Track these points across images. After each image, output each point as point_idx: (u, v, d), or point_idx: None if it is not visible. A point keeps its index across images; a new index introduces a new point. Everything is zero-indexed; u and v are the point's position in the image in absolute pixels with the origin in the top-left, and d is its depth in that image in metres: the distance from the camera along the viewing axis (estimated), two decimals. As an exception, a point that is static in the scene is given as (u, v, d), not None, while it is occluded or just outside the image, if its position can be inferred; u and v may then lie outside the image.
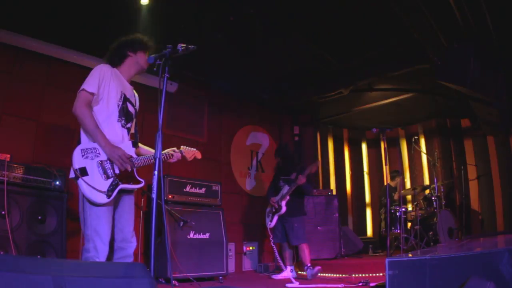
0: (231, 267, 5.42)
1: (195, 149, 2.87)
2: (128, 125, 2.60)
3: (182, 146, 2.82)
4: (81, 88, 2.37)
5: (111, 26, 4.23)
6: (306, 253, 4.73)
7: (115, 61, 2.60)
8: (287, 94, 6.65)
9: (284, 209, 4.83)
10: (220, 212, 4.89)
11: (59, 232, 3.47)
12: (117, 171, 2.39)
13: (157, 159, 2.03)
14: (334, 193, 6.59)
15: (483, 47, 4.50)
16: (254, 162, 6.62)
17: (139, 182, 2.50)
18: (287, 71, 5.94)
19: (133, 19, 4.14)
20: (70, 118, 4.27)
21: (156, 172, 2.02)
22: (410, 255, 2.59)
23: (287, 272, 4.81)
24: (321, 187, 7.07)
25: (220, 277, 4.58)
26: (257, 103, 6.78)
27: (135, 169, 2.49)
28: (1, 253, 2.99)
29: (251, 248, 5.92)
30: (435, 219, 5.80)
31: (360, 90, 6.47)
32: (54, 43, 4.25)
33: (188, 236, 4.44)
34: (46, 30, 4.13)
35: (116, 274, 1.59)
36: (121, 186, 2.38)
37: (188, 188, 4.67)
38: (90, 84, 2.38)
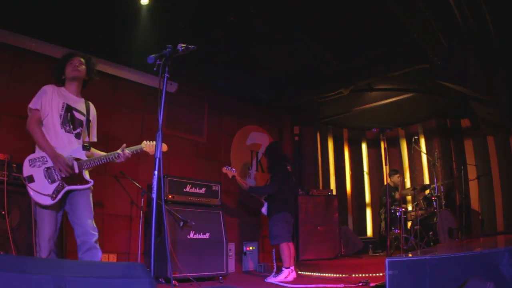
0: (231, 267, 5.42)
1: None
2: (77, 130, 2.89)
3: (144, 141, 3.02)
4: (28, 107, 2.78)
5: (111, 26, 4.23)
6: (282, 253, 4.70)
7: (57, 83, 2.99)
8: (287, 94, 6.64)
9: (262, 208, 5.01)
10: (220, 212, 4.89)
11: (59, 232, 3.46)
12: (63, 175, 2.68)
13: (157, 159, 2.03)
14: (334, 193, 6.59)
15: (483, 47, 4.50)
16: (254, 162, 6.62)
17: (87, 182, 2.78)
18: (287, 71, 5.94)
19: (133, 19, 4.14)
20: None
21: (156, 172, 2.02)
22: (410, 255, 2.59)
23: (284, 274, 4.66)
24: (321, 187, 7.07)
25: (220, 277, 4.58)
26: (257, 103, 6.78)
27: (83, 171, 2.78)
28: (1, 253, 2.99)
29: (251, 248, 5.92)
30: (435, 219, 5.80)
31: (360, 90, 6.46)
32: (54, 43, 4.25)
33: (188, 236, 4.43)
34: (46, 30, 4.13)
35: (116, 274, 1.59)
36: (67, 187, 2.68)
37: (188, 188, 4.67)
38: (33, 103, 2.79)
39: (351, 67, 5.69)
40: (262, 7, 4.26)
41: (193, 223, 4.47)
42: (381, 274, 4.34)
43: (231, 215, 5.80)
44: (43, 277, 1.39)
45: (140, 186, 4.27)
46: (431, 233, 5.81)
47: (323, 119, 7.63)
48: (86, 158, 2.81)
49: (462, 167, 6.58)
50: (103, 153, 2.97)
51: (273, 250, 5.13)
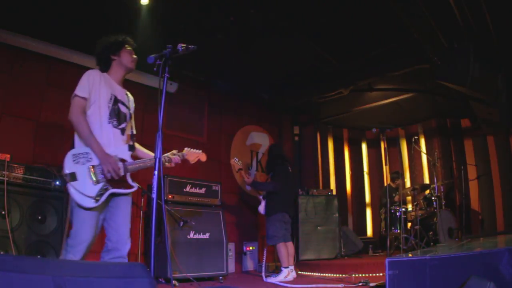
0: (231, 267, 5.42)
1: (200, 151, 2.84)
2: (122, 125, 2.62)
3: (185, 148, 2.81)
4: (74, 94, 2.44)
5: (111, 26, 4.23)
6: (279, 254, 4.72)
7: (102, 67, 2.65)
8: (287, 94, 6.65)
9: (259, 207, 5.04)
10: (220, 212, 4.89)
11: (59, 232, 3.47)
12: (108, 176, 2.43)
13: (157, 159, 2.02)
14: (334, 193, 6.59)
15: (483, 47, 4.50)
16: (254, 162, 6.62)
17: (131, 187, 2.54)
18: (287, 71, 5.94)
19: (133, 19, 4.14)
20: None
21: (156, 172, 2.02)
22: (410, 255, 2.59)
23: (284, 274, 4.66)
24: (321, 187, 7.07)
25: (220, 277, 4.58)
26: (257, 103, 6.78)
27: (128, 174, 2.51)
28: (1, 253, 2.99)
29: (251, 248, 5.92)
30: (435, 219, 5.80)
31: (360, 90, 6.47)
32: (54, 43, 4.25)
33: (188, 236, 4.43)
34: (46, 30, 4.13)
35: (116, 274, 1.59)
36: (111, 190, 2.43)
37: (188, 188, 4.67)
38: (81, 90, 2.44)
39: (351, 67, 5.69)
40: (262, 7, 4.26)
41: (193, 223, 4.47)
42: (381, 274, 4.34)
43: (231, 215, 5.80)
44: (43, 277, 1.39)
45: (140, 186, 4.26)
46: (431, 233, 5.81)
47: (323, 119, 7.63)
48: (131, 160, 2.55)
49: (462, 167, 6.58)
50: (148, 152, 2.74)
51: (265, 250, 5.12)
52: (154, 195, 1.97)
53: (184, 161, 2.77)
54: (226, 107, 6.29)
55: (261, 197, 5.07)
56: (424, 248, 5.38)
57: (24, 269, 1.38)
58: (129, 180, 2.54)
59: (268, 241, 4.79)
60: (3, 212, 3.08)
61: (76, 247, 2.33)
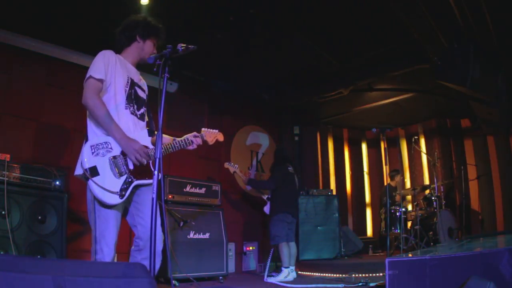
0: (231, 267, 5.42)
1: (217, 131, 2.68)
2: (140, 111, 2.42)
3: (203, 129, 2.64)
4: (88, 75, 2.19)
5: (111, 26, 4.23)
6: (281, 253, 4.73)
7: (122, 41, 2.44)
8: (287, 94, 6.65)
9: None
10: (220, 212, 4.89)
11: (59, 232, 3.47)
12: (131, 167, 2.22)
13: (157, 159, 2.02)
14: (334, 193, 6.59)
15: (483, 47, 4.50)
16: (254, 162, 6.62)
17: None
18: (287, 71, 5.94)
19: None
20: (70, 118, 4.31)
21: (156, 172, 2.01)
22: (410, 255, 2.59)
23: (284, 274, 4.68)
24: (321, 187, 7.07)
25: (220, 277, 4.58)
26: (257, 103, 6.78)
27: (150, 162, 2.28)
28: (1, 253, 2.99)
29: (251, 248, 5.92)
30: (435, 219, 5.80)
31: (360, 90, 6.47)
32: (54, 43, 4.25)
33: (188, 236, 4.43)
34: (46, 30, 4.13)
35: (116, 274, 1.59)
36: (136, 182, 2.22)
37: (188, 188, 4.67)
38: (96, 71, 2.20)
39: (351, 67, 5.69)
40: (261, 7, 4.26)
41: (193, 223, 4.47)
42: (381, 274, 4.34)
43: (231, 215, 5.80)
44: (43, 277, 1.39)
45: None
46: (431, 233, 5.81)
47: (323, 119, 7.63)
48: (152, 146, 2.31)
49: (462, 167, 6.59)
50: (167, 137, 2.56)
51: (271, 250, 5.13)
52: (154, 195, 1.96)
53: (203, 143, 2.61)
54: (226, 107, 6.29)
55: (265, 198, 5.09)
56: (424, 248, 5.38)
57: (24, 269, 1.38)
58: (153, 168, 2.25)
59: (271, 241, 4.81)
60: (3, 212, 3.08)
61: (103, 250, 2.13)
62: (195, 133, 2.58)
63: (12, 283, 1.32)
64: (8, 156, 3.31)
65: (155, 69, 2.16)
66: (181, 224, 4.32)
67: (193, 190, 4.71)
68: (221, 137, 2.69)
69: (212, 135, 2.65)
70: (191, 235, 4.47)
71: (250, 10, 4.28)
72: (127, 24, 2.45)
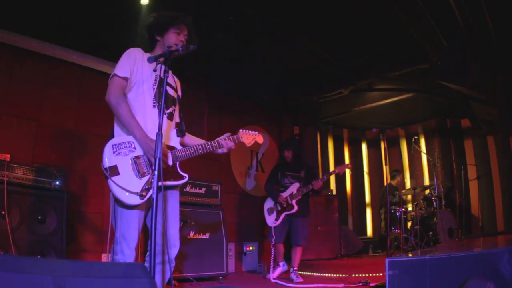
0: (231, 267, 5.41)
1: (256, 132, 2.55)
2: (169, 110, 2.34)
3: (240, 130, 2.53)
4: (113, 73, 2.18)
5: (111, 26, 4.23)
6: (298, 256, 4.67)
7: (149, 45, 2.42)
8: (287, 94, 6.65)
9: (296, 208, 4.62)
10: (220, 212, 4.88)
11: (59, 232, 3.46)
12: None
13: (157, 159, 2.01)
14: (334, 193, 6.59)
15: (483, 47, 4.50)
16: (254, 162, 6.62)
17: (181, 178, 2.24)
18: (287, 71, 5.94)
19: (133, 19, 4.14)
20: (70, 118, 4.31)
21: (156, 172, 2.01)
22: (410, 255, 2.58)
23: (282, 268, 4.79)
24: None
25: (220, 277, 4.58)
26: (257, 103, 6.78)
27: (177, 163, 2.23)
28: (1, 253, 2.99)
29: (251, 248, 5.92)
30: (435, 219, 5.81)
31: (360, 90, 6.47)
32: (54, 43, 4.25)
33: (188, 236, 4.43)
34: (46, 30, 4.13)
35: (116, 274, 1.58)
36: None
37: (188, 188, 4.66)
38: (121, 69, 2.18)
39: (351, 67, 5.69)
40: (262, 7, 4.26)
41: (193, 223, 4.47)
42: (381, 274, 4.34)
43: (231, 215, 5.80)
44: (43, 277, 1.39)
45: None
46: (431, 233, 5.82)
47: (323, 119, 7.63)
48: (181, 147, 2.28)
49: (462, 167, 6.59)
50: (196, 138, 2.51)
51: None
52: (154, 195, 1.96)
53: (240, 144, 2.49)
54: (226, 107, 6.29)
55: (294, 201, 4.67)
56: (424, 248, 5.38)
57: (24, 269, 1.38)
58: (179, 170, 2.24)
59: (303, 241, 4.65)
60: (3, 212, 3.07)
61: (124, 252, 2.10)
62: (228, 134, 2.47)
63: (12, 283, 1.32)
64: (8, 156, 3.32)
65: (155, 69, 2.16)
66: (181, 224, 4.32)
67: (193, 190, 4.70)
68: (260, 139, 2.57)
69: (250, 136, 2.53)
70: (191, 235, 4.47)
71: (250, 10, 4.28)
72: (145, 29, 2.44)
